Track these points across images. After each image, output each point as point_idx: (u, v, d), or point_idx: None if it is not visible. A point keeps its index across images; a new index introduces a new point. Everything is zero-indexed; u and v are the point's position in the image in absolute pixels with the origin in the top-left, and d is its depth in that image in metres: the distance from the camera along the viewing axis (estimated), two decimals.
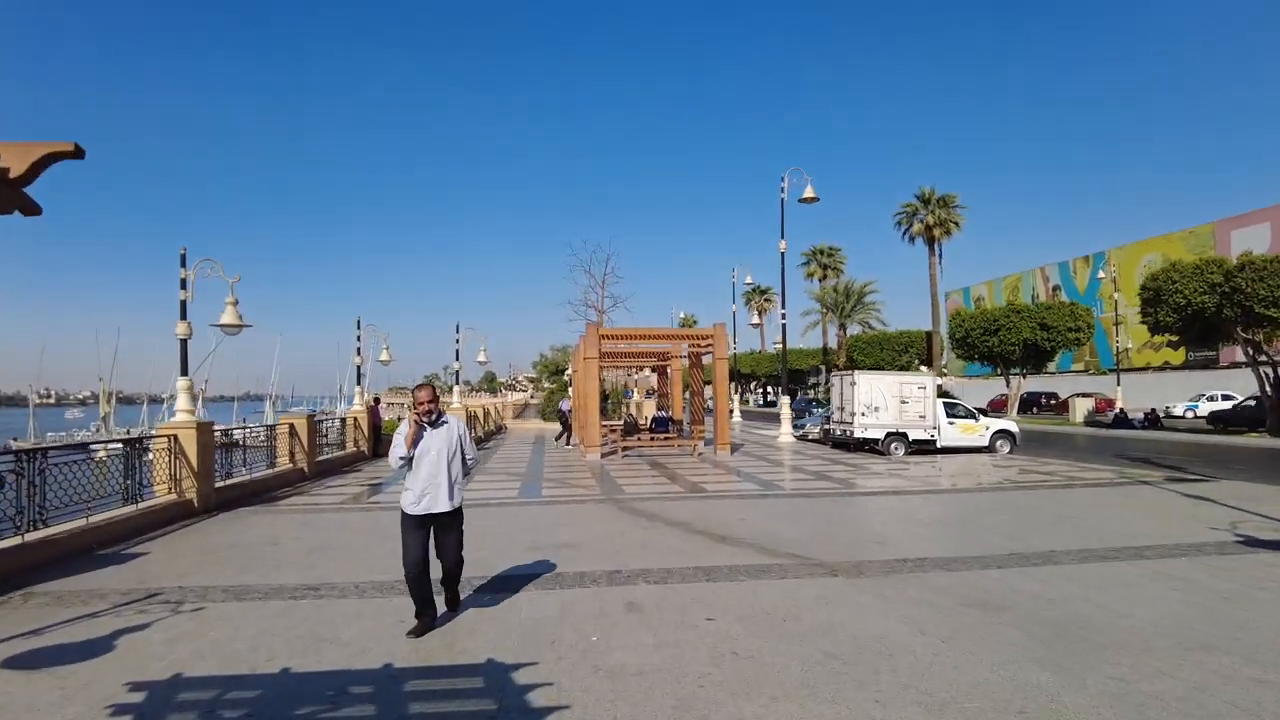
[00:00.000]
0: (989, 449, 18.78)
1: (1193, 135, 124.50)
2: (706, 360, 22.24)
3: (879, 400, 18.64)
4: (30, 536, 7.06)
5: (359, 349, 22.71)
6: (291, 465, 13.97)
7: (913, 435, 18.50)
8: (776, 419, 25.84)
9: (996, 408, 36.19)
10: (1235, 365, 37.17)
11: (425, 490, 4.98)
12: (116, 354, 46.23)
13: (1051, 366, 39.48)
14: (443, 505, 5.00)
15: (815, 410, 32.66)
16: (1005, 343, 31.54)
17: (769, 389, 68.89)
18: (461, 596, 5.54)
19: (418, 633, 4.89)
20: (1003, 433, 19.14)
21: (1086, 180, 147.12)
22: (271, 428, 14.34)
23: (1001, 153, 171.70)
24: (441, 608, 5.28)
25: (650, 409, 30.13)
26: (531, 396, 79.80)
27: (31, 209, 4.14)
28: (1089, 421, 34.07)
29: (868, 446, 18.94)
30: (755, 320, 52.05)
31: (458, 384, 28.32)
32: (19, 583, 6.29)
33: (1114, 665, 4.26)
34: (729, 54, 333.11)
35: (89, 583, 6.39)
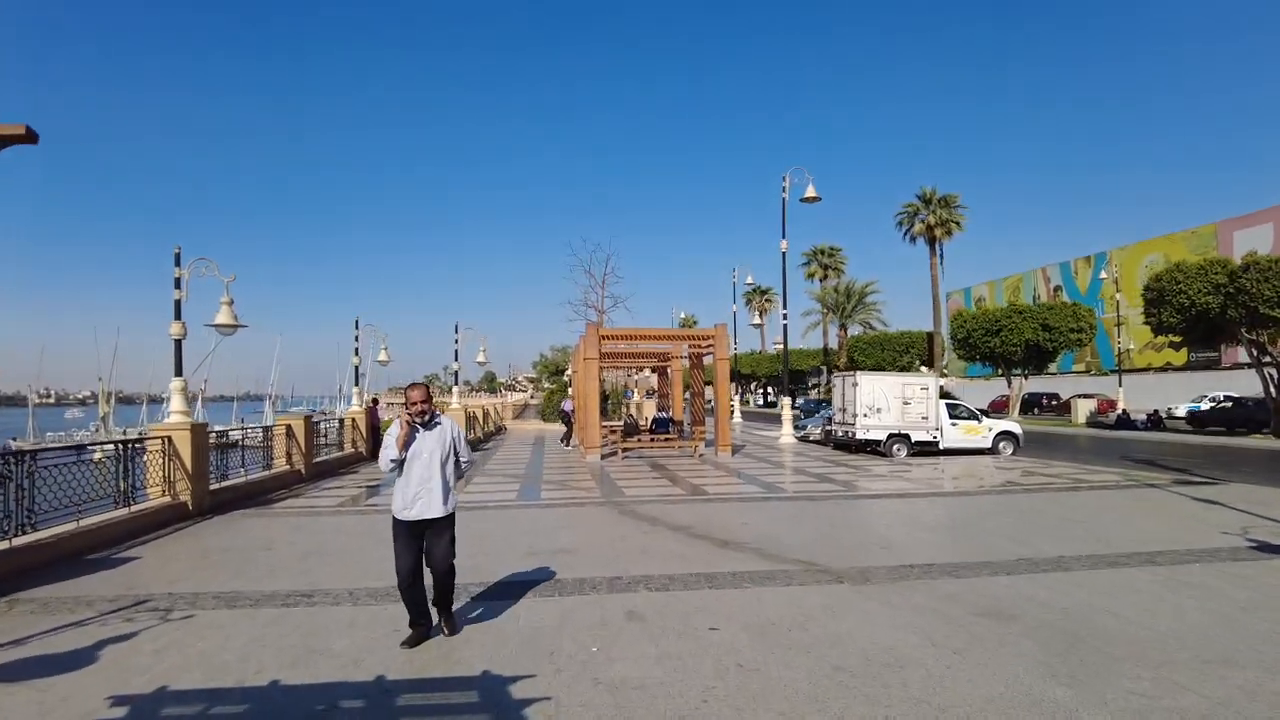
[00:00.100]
0: (992, 451, 18.62)
1: (1193, 135, 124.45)
2: (707, 361, 22.09)
3: (881, 401, 18.47)
4: (18, 541, 6.91)
5: (357, 349, 22.62)
6: (288, 467, 13.82)
7: (915, 437, 18.33)
8: (777, 420, 25.69)
9: (998, 408, 36.07)
10: (1237, 366, 36.99)
11: (417, 494, 4.80)
12: (116, 354, 45.78)
13: (1053, 367, 39.32)
14: (435, 510, 4.82)
15: (825, 410, 32.46)
16: (1007, 343, 31.36)
17: (769, 389, 68.77)
18: (456, 605, 5.20)
19: (412, 643, 4.74)
20: (1006, 434, 18.98)
21: (1087, 180, 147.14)
22: (268, 429, 14.20)
23: (1002, 153, 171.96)
24: (436, 618, 5.10)
25: (650, 410, 29.94)
26: (531, 397, 79.63)
27: None
28: (1091, 422, 33.94)
29: (870, 448, 18.77)
30: (756, 320, 51.73)
31: (457, 384, 28.15)
32: (4, 589, 6.13)
33: (1133, 680, 4.11)
34: (729, 54, 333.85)
35: (77, 589, 6.24)
